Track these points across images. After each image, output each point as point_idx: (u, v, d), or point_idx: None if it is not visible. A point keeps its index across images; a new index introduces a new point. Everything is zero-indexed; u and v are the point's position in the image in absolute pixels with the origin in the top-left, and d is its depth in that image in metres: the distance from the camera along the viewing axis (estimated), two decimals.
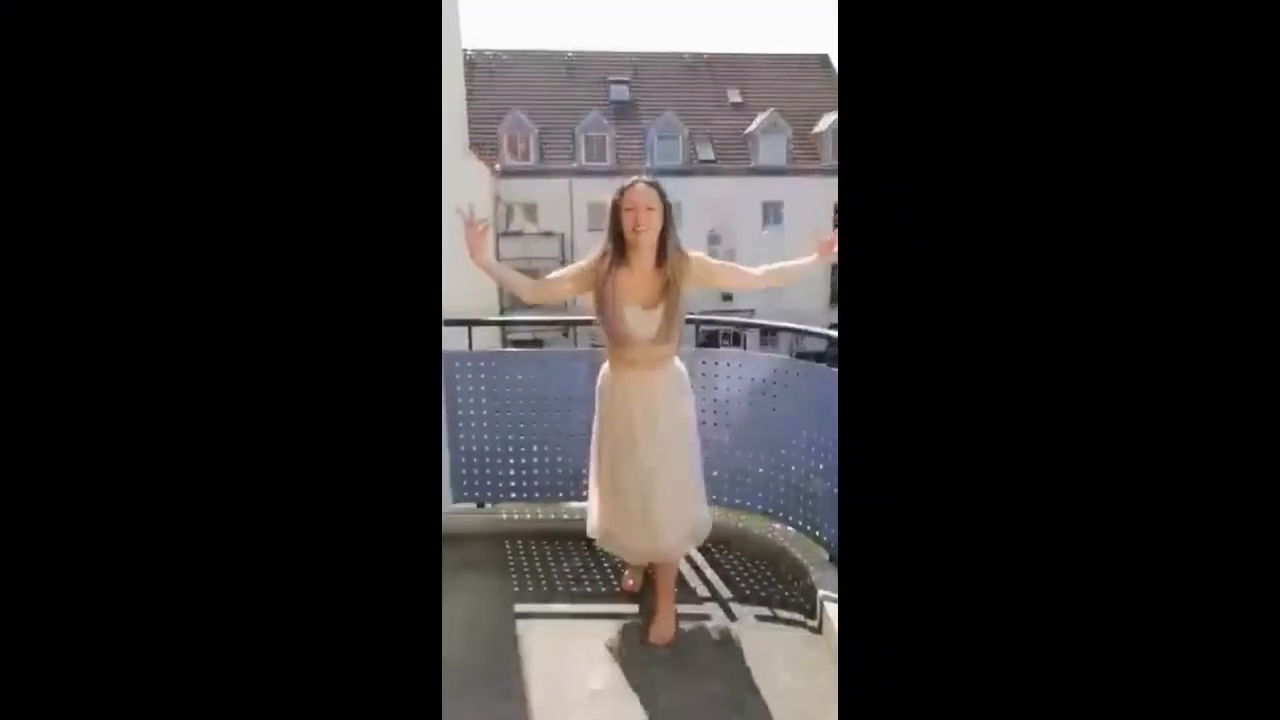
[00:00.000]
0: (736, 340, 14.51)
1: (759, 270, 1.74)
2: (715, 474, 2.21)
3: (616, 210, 1.59)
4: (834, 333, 1.73)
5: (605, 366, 1.74)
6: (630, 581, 1.97)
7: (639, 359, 1.64)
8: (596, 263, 1.63)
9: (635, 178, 1.62)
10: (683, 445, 1.72)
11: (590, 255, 1.67)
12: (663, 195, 1.60)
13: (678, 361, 1.73)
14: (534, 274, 1.85)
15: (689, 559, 2.13)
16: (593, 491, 1.81)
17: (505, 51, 20.35)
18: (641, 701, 1.53)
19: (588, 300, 1.66)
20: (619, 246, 1.60)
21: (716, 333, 11.69)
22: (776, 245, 18.50)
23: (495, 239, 16.18)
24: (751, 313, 16.50)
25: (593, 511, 1.81)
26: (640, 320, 1.61)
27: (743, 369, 2.17)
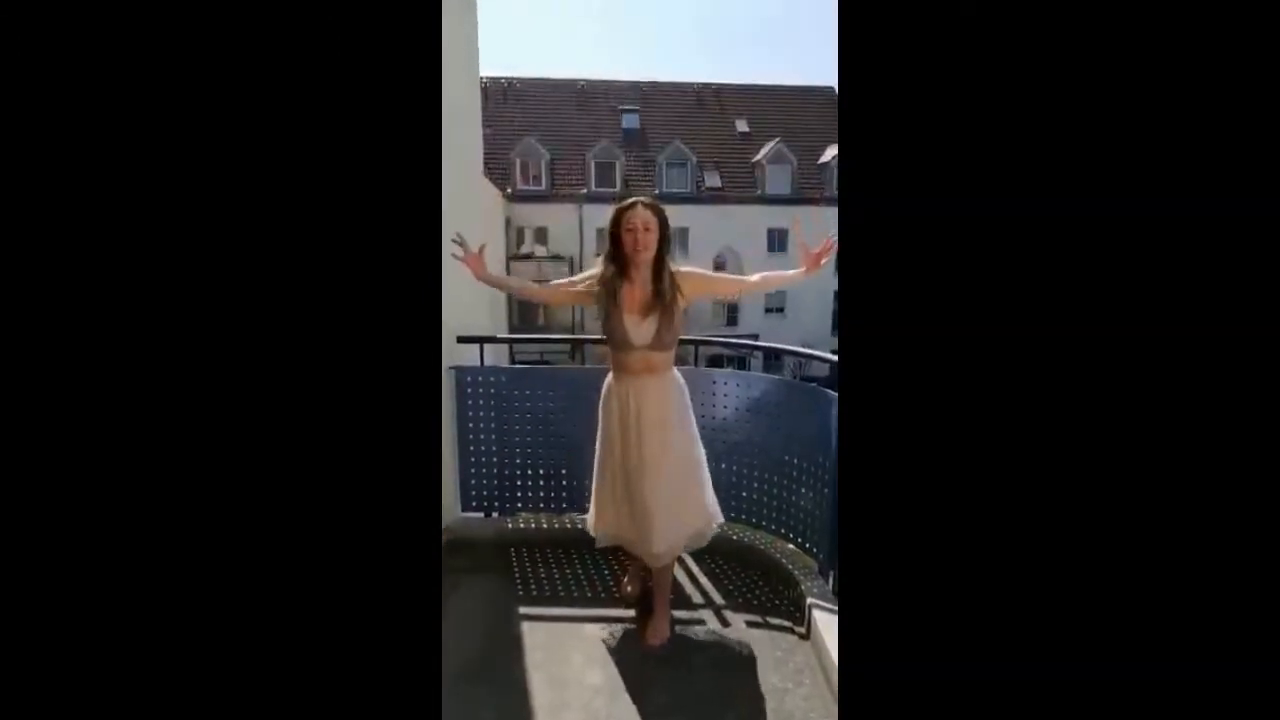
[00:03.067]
0: (742, 365, 14.57)
1: (754, 277, 1.86)
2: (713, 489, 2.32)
3: (617, 230, 1.70)
4: (835, 357, 1.83)
5: (609, 377, 1.85)
6: (629, 588, 2.06)
7: (638, 367, 1.75)
8: (601, 278, 1.75)
9: (635, 199, 1.72)
10: (681, 450, 1.81)
11: (595, 269, 1.78)
12: (660, 215, 1.70)
13: (676, 373, 1.84)
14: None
15: (685, 568, 2.22)
16: (594, 494, 1.93)
17: (520, 80, 20.88)
18: (636, 698, 1.61)
19: (596, 308, 1.79)
20: (619, 263, 1.72)
21: (721, 357, 11.76)
22: (779, 270, 18.69)
23: (506, 261, 16.44)
24: (756, 337, 16.62)
25: (593, 511, 1.94)
26: (638, 328, 1.72)
27: (741, 388, 2.28)
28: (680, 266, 1.76)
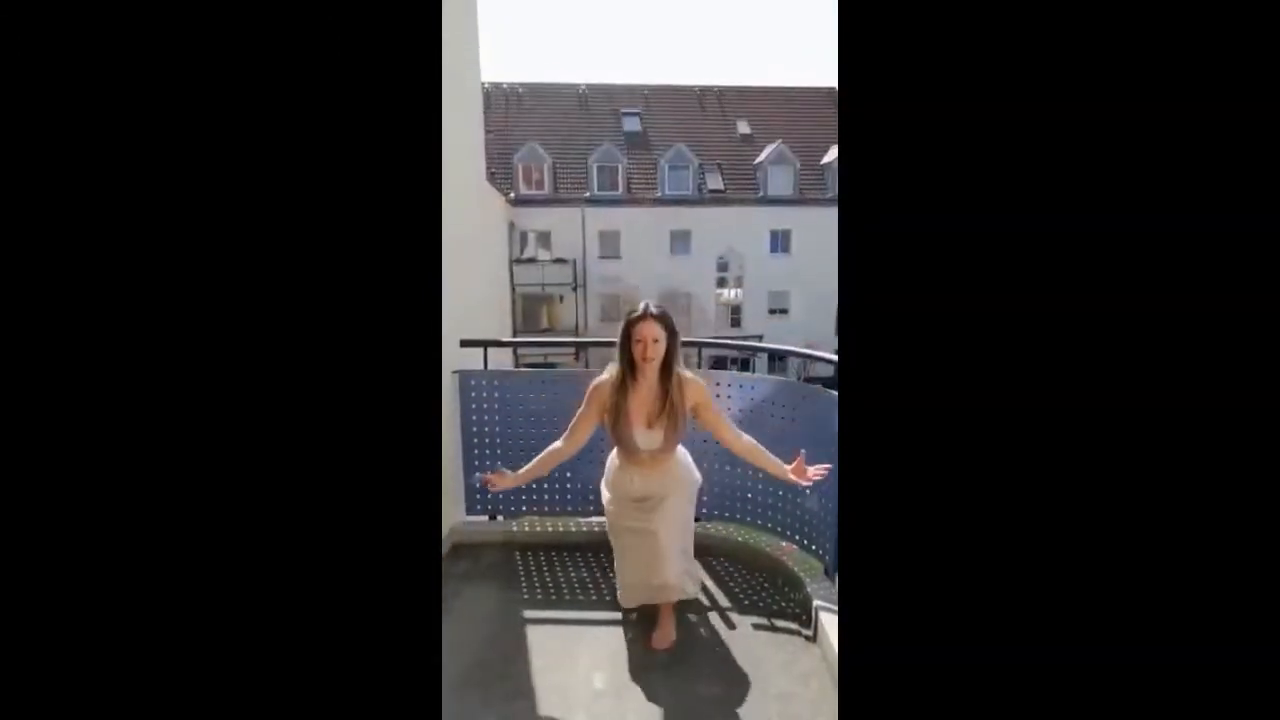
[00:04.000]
0: (745, 366, 14.56)
1: (745, 440, 1.87)
2: (718, 490, 2.32)
3: (627, 339, 1.78)
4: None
5: (614, 458, 1.91)
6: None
7: (646, 462, 1.83)
8: (609, 390, 1.81)
9: (645, 310, 1.78)
10: (682, 514, 1.90)
11: (601, 379, 1.84)
12: (669, 326, 1.78)
13: (681, 453, 1.90)
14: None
15: None
16: (617, 559, 1.97)
17: (521, 85, 20.94)
18: (642, 702, 1.61)
19: (605, 419, 1.84)
20: (629, 368, 1.79)
21: (725, 358, 11.77)
22: (783, 271, 18.70)
23: (510, 266, 16.50)
24: (760, 339, 16.61)
25: (619, 578, 1.96)
26: (646, 436, 1.80)
27: (745, 390, 2.27)
28: (687, 373, 1.84)
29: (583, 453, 2.33)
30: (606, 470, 1.94)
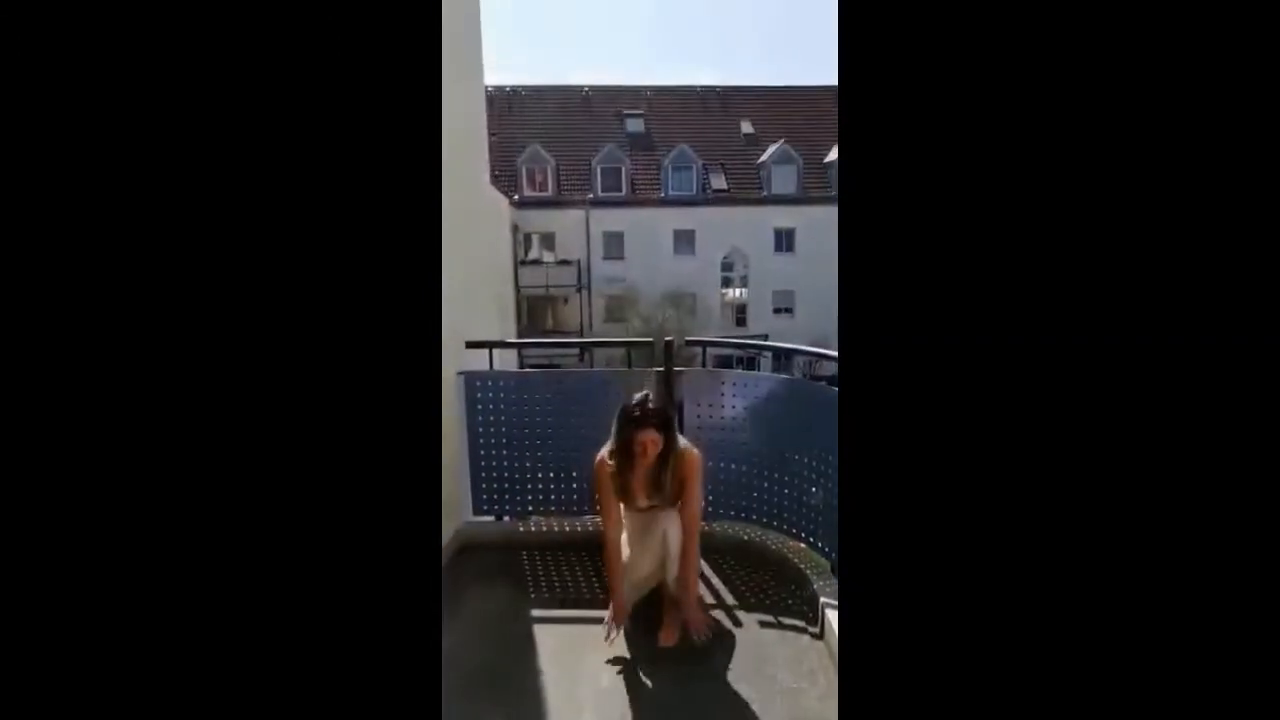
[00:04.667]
0: (751, 365, 14.54)
1: (690, 535, 1.92)
2: (725, 489, 2.33)
3: (626, 437, 1.86)
4: None
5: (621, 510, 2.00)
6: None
7: (647, 510, 1.97)
8: (614, 466, 1.91)
9: (641, 403, 1.86)
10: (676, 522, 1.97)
11: (603, 457, 1.92)
12: (666, 423, 1.88)
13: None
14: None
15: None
16: (627, 571, 1.97)
17: (524, 87, 21.00)
18: (649, 700, 1.62)
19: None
20: (627, 458, 1.89)
21: (730, 358, 11.74)
22: (787, 270, 18.68)
23: (515, 268, 16.54)
24: (765, 338, 16.57)
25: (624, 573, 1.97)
26: (644, 502, 1.96)
27: (749, 388, 2.28)
28: (691, 449, 1.92)
29: (585, 454, 2.35)
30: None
